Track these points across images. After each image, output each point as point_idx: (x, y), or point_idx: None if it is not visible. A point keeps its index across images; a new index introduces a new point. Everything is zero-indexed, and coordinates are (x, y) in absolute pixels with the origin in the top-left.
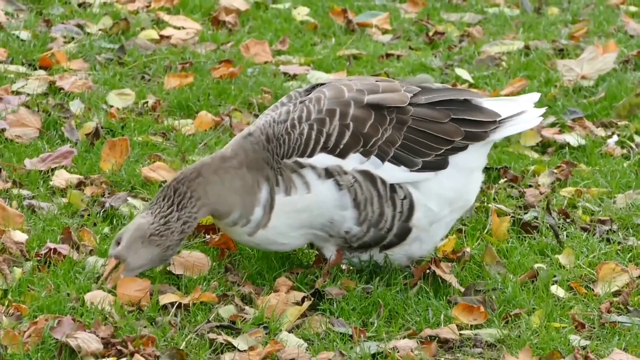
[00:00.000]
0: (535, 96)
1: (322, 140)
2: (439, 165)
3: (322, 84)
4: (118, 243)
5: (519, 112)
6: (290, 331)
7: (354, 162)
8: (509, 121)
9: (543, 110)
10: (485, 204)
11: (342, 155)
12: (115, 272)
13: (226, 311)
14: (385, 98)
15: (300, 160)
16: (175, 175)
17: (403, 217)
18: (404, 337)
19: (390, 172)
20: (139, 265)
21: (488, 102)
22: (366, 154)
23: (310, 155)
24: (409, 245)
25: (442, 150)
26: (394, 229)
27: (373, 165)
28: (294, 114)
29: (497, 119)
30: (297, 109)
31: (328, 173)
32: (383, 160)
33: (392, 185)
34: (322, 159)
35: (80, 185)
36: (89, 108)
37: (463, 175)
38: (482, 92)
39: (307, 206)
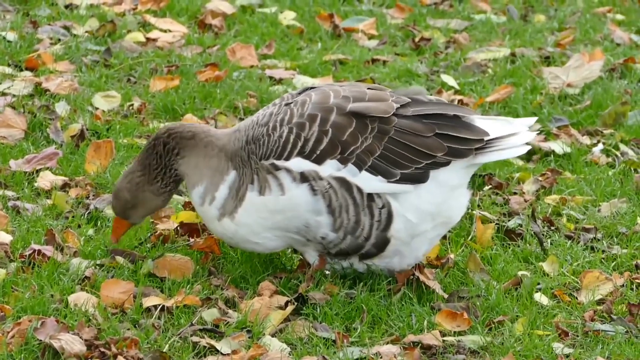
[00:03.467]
0: (531, 120)
1: (300, 144)
2: (418, 178)
3: (313, 88)
4: (128, 208)
5: (509, 134)
6: (273, 335)
7: (330, 168)
8: (497, 143)
9: (533, 134)
10: (470, 210)
11: (318, 161)
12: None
13: (209, 314)
14: (368, 107)
15: (276, 162)
16: (167, 128)
17: (381, 227)
18: (387, 343)
19: (367, 181)
20: (140, 219)
21: (480, 121)
22: (343, 161)
23: (287, 159)
24: (389, 258)
25: (423, 164)
26: (372, 238)
27: (350, 173)
28: (277, 117)
29: (485, 138)
30: (281, 111)
31: (303, 177)
32: (360, 169)
33: (369, 194)
34: (298, 163)
35: (65, 186)
36: (75, 110)
37: (444, 191)
38: (468, 98)
39: (281, 208)
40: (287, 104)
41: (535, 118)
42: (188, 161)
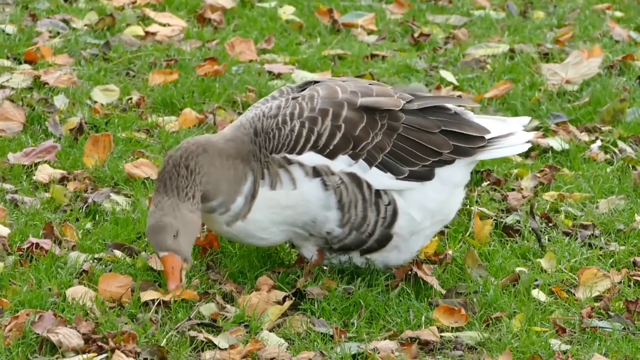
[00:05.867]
0: (525, 120)
1: (313, 139)
2: (425, 176)
3: (315, 82)
4: (174, 235)
5: (508, 134)
6: (271, 330)
7: (342, 163)
8: (497, 142)
9: (532, 134)
10: (468, 206)
11: (331, 155)
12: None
13: (207, 309)
14: (378, 101)
15: (289, 156)
16: (178, 152)
17: (385, 224)
18: (385, 338)
19: (377, 178)
20: (189, 248)
21: (478, 119)
22: (355, 157)
23: (300, 153)
24: (387, 252)
25: (430, 162)
26: (376, 234)
27: (361, 168)
28: (285, 110)
29: (486, 136)
30: (289, 104)
31: (315, 172)
32: (371, 165)
33: (377, 191)
34: (311, 158)
35: (63, 180)
36: (73, 103)
37: (447, 189)
38: (467, 94)
39: (292, 203)
40: (294, 98)
41: (529, 118)
42: (208, 177)
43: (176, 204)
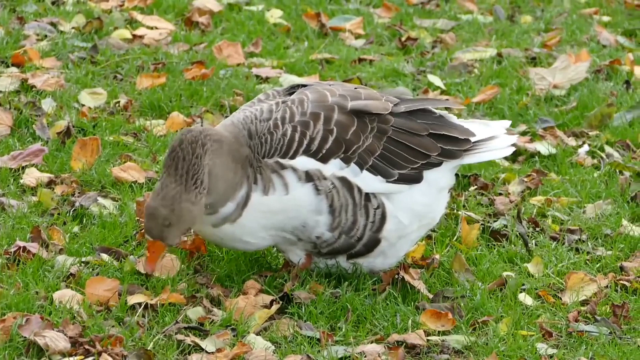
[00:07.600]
0: (507, 123)
1: (305, 143)
2: (414, 178)
3: (302, 85)
4: (165, 225)
5: (491, 137)
6: (258, 334)
7: (334, 167)
8: (481, 145)
9: (515, 137)
10: (455, 211)
11: (324, 160)
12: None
13: (194, 312)
14: (368, 105)
15: (281, 161)
16: (195, 131)
17: (374, 228)
18: (372, 342)
19: (367, 181)
20: (178, 238)
21: (461, 123)
22: (347, 160)
23: (292, 157)
24: (374, 257)
25: (419, 165)
26: (364, 239)
27: (352, 172)
28: (276, 114)
29: (472, 138)
30: (279, 109)
31: (308, 176)
32: (362, 169)
33: (366, 194)
34: (304, 162)
35: (50, 183)
36: (61, 106)
37: (433, 192)
38: (454, 98)
39: (284, 208)
40: (283, 102)
41: (510, 121)
42: (211, 168)
43: (179, 195)
